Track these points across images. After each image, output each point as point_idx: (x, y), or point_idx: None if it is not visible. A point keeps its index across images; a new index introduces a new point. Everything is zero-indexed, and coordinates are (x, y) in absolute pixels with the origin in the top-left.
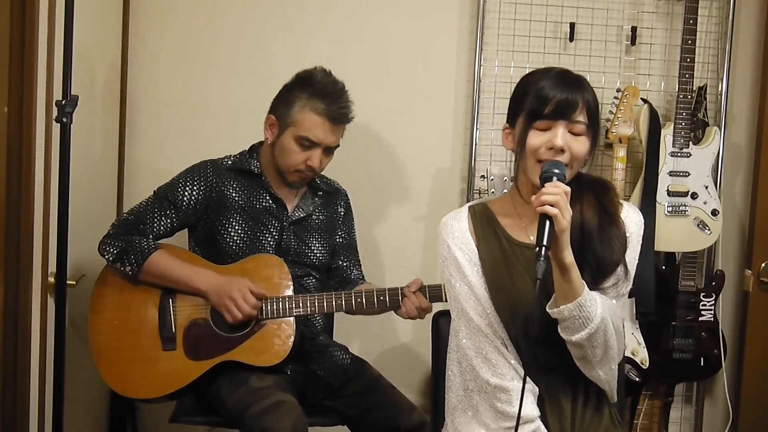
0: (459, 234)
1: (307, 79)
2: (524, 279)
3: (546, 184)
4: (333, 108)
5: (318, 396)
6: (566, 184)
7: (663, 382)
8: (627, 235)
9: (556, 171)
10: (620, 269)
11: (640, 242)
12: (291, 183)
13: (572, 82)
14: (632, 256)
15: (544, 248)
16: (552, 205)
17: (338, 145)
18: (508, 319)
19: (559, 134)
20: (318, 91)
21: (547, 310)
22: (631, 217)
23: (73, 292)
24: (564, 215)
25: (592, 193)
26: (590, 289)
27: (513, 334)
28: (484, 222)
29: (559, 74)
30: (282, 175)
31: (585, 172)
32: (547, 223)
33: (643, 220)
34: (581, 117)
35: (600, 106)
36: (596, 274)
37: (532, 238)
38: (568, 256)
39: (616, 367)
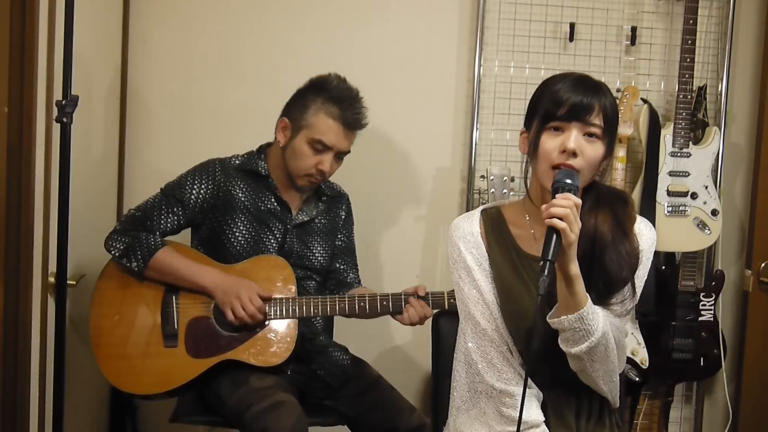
0: (470, 238)
1: (322, 84)
2: (532, 291)
3: (557, 196)
4: (348, 113)
5: (318, 396)
6: (582, 192)
7: (663, 382)
8: (639, 251)
9: (568, 182)
10: (628, 287)
11: (651, 259)
12: (300, 187)
13: (589, 86)
14: (642, 273)
15: (548, 263)
16: (561, 218)
17: (348, 152)
18: (513, 330)
19: (572, 137)
20: (333, 96)
21: (547, 319)
22: (643, 233)
23: (73, 292)
24: (572, 229)
25: (609, 206)
26: (595, 304)
27: (517, 344)
28: (496, 228)
29: (578, 78)
30: (291, 179)
31: (603, 182)
32: (555, 236)
33: (655, 237)
34: (597, 120)
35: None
36: (603, 291)
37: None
38: (574, 268)
39: (618, 378)
